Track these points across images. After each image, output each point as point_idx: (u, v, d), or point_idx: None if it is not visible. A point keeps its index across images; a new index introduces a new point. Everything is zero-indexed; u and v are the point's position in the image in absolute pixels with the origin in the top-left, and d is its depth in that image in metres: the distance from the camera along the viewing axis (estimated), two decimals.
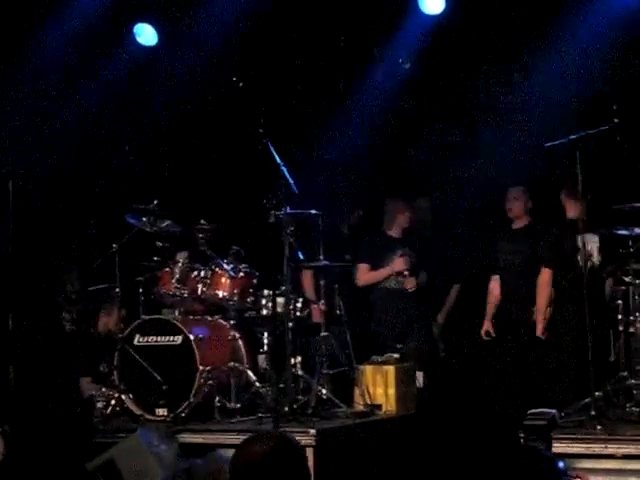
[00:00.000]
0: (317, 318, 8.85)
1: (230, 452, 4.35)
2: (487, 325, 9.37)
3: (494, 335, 9.35)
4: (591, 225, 8.10)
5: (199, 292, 8.74)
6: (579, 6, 9.35)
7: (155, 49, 10.49)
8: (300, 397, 8.27)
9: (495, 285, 9.39)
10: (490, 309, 9.41)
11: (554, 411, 7.28)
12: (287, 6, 9.97)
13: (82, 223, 10.14)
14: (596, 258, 8.45)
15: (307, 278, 9.45)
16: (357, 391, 8.58)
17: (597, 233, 8.36)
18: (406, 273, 9.55)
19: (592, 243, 8.33)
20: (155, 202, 8.74)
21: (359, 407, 8.46)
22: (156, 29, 10.43)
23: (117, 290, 8.91)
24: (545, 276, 8.75)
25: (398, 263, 9.52)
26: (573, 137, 7.61)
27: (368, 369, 8.71)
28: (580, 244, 7.71)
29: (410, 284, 9.55)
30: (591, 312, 7.27)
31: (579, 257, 7.98)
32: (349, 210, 9.83)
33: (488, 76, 10.05)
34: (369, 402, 8.52)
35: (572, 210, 8.54)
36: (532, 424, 7.10)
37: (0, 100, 9.88)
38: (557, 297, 8.74)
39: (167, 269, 8.77)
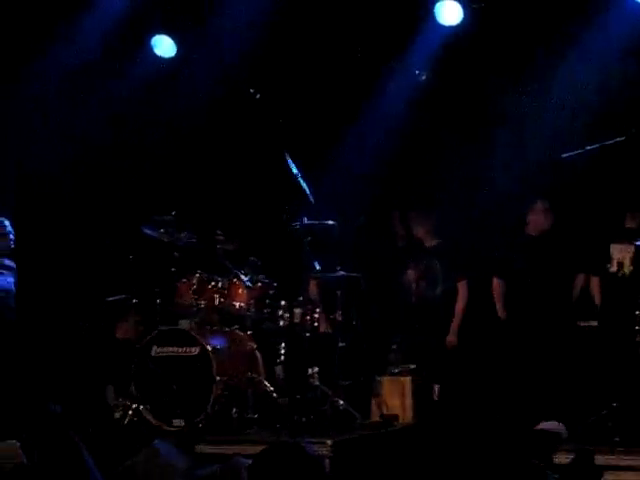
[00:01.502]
0: (323, 328, 8.86)
1: (248, 460, 4.36)
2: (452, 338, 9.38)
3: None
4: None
5: (216, 303, 8.77)
6: (594, 16, 9.33)
7: (173, 61, 10.52)
8: (317, 408, 8.27)
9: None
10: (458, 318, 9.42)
11: (562, 428, 7.25)
12: (304, 17, 9.99)
13: (100, 234, 10.19)
14: (627, 268, 8.39)
15: (313, 287, 9.44)
16: (374, 402, 8.58)
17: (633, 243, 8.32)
18: None
19: (626, 253, 8.29)
20: (173, 213, 8.77)
21: (376, 418, 8.46)
22: (174, 41, 10.46)
23: (134, 300, 8.93)
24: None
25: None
26: (589, 148, 7.59)
27: (385, 380, 8.71)
28: (614, 253, 7.70)
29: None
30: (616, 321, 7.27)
31: (609, 265, 7.98)
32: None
33: (504, 86, 10.03)
34: (386, 413, 8.52)
35: (630, 221, 8.55)
36: (537, 441, 7.08)
37: (22, 106, 9.96)
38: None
39: (184, 280, 8.79)
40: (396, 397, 8.64)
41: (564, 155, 8.15)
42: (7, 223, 8.90)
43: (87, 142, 10.32)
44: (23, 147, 10.13)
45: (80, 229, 10.26)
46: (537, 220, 9.24)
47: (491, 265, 9.38)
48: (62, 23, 9.97)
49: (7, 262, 8.91)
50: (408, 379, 8.69)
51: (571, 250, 8.96)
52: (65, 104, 10.28)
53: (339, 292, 8.75)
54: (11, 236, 8.86)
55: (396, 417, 8.60)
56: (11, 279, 8.88)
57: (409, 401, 8.65)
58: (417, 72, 10.11)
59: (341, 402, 8.35)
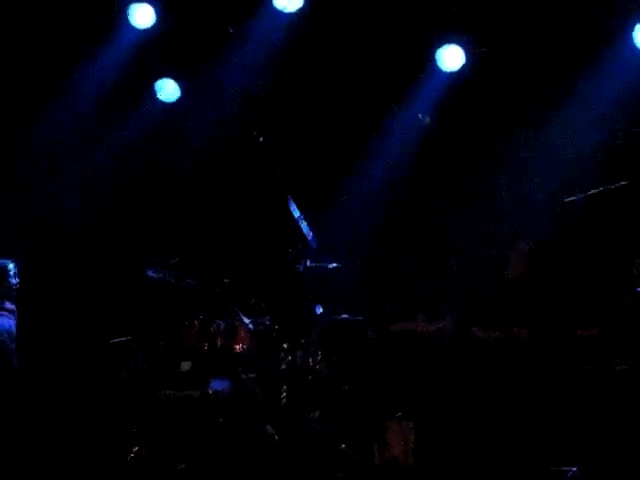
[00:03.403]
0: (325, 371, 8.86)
1: None
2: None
3: None
4: None
5: (218, 345, 8.76)
6: (595, 63, 9.42)
7: (176, 104, 10.58)
8: (319, 451, 8.25)
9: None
10: None
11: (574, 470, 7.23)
12: (307, 61, 10.08)
13: (104, 277, 10.21)
14: None
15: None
16: (376, 445, 8.56)
17: None
18: None
19: None
20: (177, 259, 8.81)
21: (378, 461, 8.43)
22: (177, 85, 10.52)
23: (133, 344, 8.94)
24: None
25: None
26: (591, 193, 7.63)
27: (387, 424, 8.68)
28: None
29: None
30: None
31: None
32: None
33: (505, 131, 10.09)
34: (388, 456, 8.49)
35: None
36: None
37: (30, 152, 10.03)
38: None
39: (187, 322, 8.80)
40: (398, 441, 8.61)
41: (566, 199, 8.19)
42: (11, 266, 8.92)
43: (92, 186, 10.37)
44: (31, 191, 10.19)
45: (85, 272, 10.27)
46: (516, 262, 9.26)
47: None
48: (67, 69, 10.07)
49: (8, 305, 8.92)
50: (410, 423, 8.66)
51: (551, 297, 8.96)
52: (71, 149, 10.35)
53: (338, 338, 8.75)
54: (15, 280, 8.88)
55: (398, 460, 8.56)
56: (12, 321, 8.89)
57: (411, 444, 8.61)
58: (420, 116, 10.18)
59: (343, 445, 8.32)
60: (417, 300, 9.64)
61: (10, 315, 8.88)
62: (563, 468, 7.29)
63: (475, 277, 9.80)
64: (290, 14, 9.73)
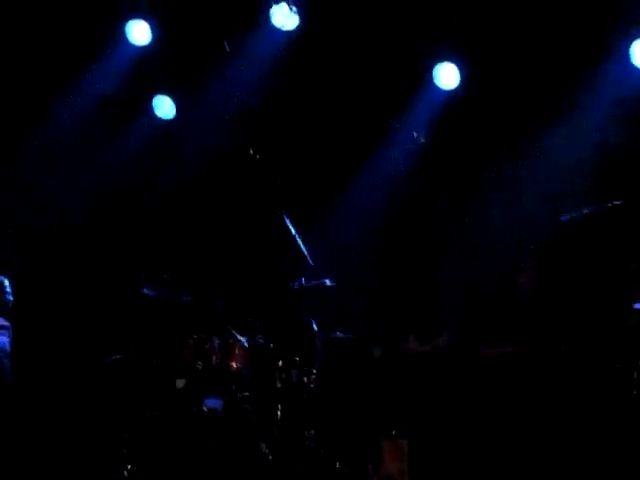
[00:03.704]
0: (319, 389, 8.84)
1: None
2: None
3: None
4: None
5: (213, 363, 8.74)
6: (591, 80, 9.43)
7: (172, 121, 10.59)
8: (313, 470, 8.22)
9: None
10: None
11: None
12: (304, 79, 10.09)
13: (99, 294, 10.21)
14: None
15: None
16: (371, 465, 8.52)
17: None
18: None
19: None
20: (171, 273, 8.79)
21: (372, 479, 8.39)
22: (174, 102, 10.53)
23: (132, 360, 8.92)
24: None
25: None
26: (587, 211, 7.63)
27: (383, 443, 8.64)
28: None
29: None
30: None
31: None
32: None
33: (501, 149, 10.09)
34: (383, 474, 8.45)
35: None
36: None
37: (23, 168, 10.04)
38: None
39: (182, 339, 8.79)
40: (394, 460, 8.57)
41: (562, 218, 8.19)
42: (7, 283, 8.93)
43: (87, 202, 10.37)
44: (25, 206, 10.20)
45: (80, 288, 10.27)
46: (525, 278, 9.26)
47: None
48: (65, 83, 10.09)
49: (2, 321, 8.93)
50: (406, 442, 8.62)
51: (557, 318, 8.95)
52: (66, 164, 10.37)
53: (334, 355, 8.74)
54: (9, 296, 8.89)
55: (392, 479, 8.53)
56: (5, 338, 8.89)
57: (406, 463, 8.57)
58: (415, 134, 10.19)
59: (337, 464, 8.29)
60: (412, 318, 9.63)
61: (4, 332, 8.88)
62: None
63: (474, 293, 9.81)
64: (287, 32, 9.75)
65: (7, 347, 8.84)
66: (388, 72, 9.83)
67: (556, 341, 8.78)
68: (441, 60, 9.80)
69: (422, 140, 10.16)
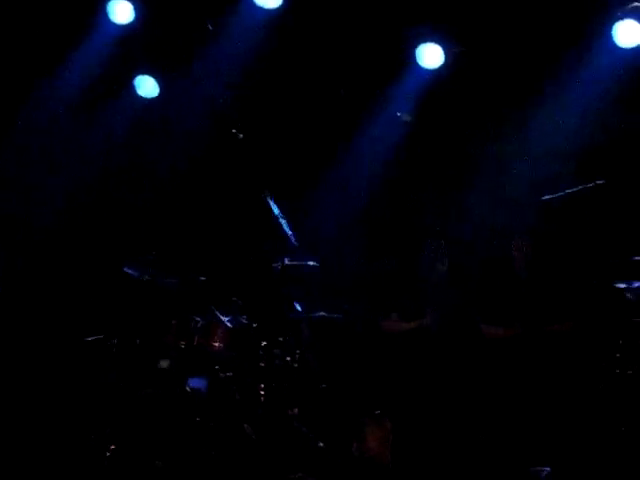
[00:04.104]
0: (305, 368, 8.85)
1: None
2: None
3: None
4: None
5: (195, 343, 8.74)
6: (575, 61, 9.44)
7: (155, 100, 10.55)
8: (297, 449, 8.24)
9: None
10: None
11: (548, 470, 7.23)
12: (288, 58, 10.07)
13: (81, 273, 10.18)
14: None
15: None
16: (355, 444, 8.53)
17: None
18: None
19: None
20: (153, 253, 8.77)
21: (355, 458, 8.40)
22: (157, 81, 10.48)
23: (114, 341, 8.90)
24: None
25: None
26: (570, 191, 7.64)
27: (366, 420, 8.66)
28: None
29: None
30: None
31: None
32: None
33: (485, 129, 10.09)
34: (366, 454, 8.46)
35: None
36: None
37: (3, 146, 9.99)
38: None
39: (164, 319, 8.77)
40: (376, 437, 8.58)
41: (544, 197, 8.20)
42: None
43: (68, 182, 10.33)
44: (7, 191, 10.15)
45: (61, 269, 10.23)
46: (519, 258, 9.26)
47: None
48: (47, 64, 10.03)
49: None
50: (388, 421, 8.63)
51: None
52: (49, 144, 10.31)
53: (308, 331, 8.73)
54: None
55: (377, 457, 8.53)
56: None
57: (390, 442, 8.58)
58: (399, 114, 10.17)
59: (321, 444, 8.30)
60: (395, 297, 9.63)
61: None
62: (538, 468, 7.28)
63: (459, 272, 9.82)
64: (269, 10, 9.71)
65: None
66: (371, 51, 9.81)
67: (553, 319, 8.80)
68: (425, 40, 9.77)
69: (407, 120, 10.15)
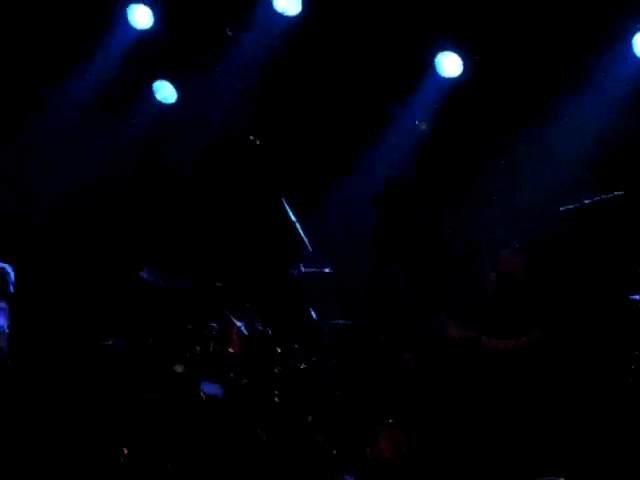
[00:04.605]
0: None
1: None
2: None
3: None
4: None
5: (211, 348, 8.74)
6: (594, 69, 9.42)
7: (173, 105, 10.57)
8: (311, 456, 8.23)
9: None
10: None
11: None
12: (306, 65, 10.07)
13: (98, 278, 10.20)
14: None
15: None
16: (369, 451, 8.53)
17: None
18: None
19: None
20: (170, 260, 8.79)
21: (369, 465, 8.40)
22: (175, 87, 10.51)
23: (125, 345, 8.93)
24: None
25: None
26: (588, 201, 7.62)
27: (379, 428, 8.65)
28: None
29: None
30: None
31: None
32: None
33: (503, 138, 10.07)
34: (380, 460, 8.46)
35: None
36: None
37: (23, 152, 10.03)
38: None
39: (180, 324, 8.79)
40: (390, 444, 8.58)
41: (562, 208, 8.17)
42: (11, 274, 8.93)
43: (86, 186, 10.36)
44: (23, 190, 10.19)
45: (78, 273, 10.26)
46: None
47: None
48: (66, 67, 10.07)
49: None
50: (402, 428, 8.63)
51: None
52: (66, 147, 10.35)
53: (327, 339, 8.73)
54: (11, 288, 8.88)
55: (389, 463, 8.53)
56: (3, 320, 8.89)
57: (403, 450, 8.58)
58: (417, 122, 10.17)
59: (334, 451, 8.30)
60: (411, 305, 9.63)
61: (1, 313, 8.87)
62: (552, 478, 7.27)
63: (470, 284, 9.79)
64: (289, 17, 9.72)
65: (5, 329, 8.83)
66: (390, 59, 9.80)
67: (555, 330, 8.77)
68: (444, 49, 9.77)
69: (424, 129, 10.15)
